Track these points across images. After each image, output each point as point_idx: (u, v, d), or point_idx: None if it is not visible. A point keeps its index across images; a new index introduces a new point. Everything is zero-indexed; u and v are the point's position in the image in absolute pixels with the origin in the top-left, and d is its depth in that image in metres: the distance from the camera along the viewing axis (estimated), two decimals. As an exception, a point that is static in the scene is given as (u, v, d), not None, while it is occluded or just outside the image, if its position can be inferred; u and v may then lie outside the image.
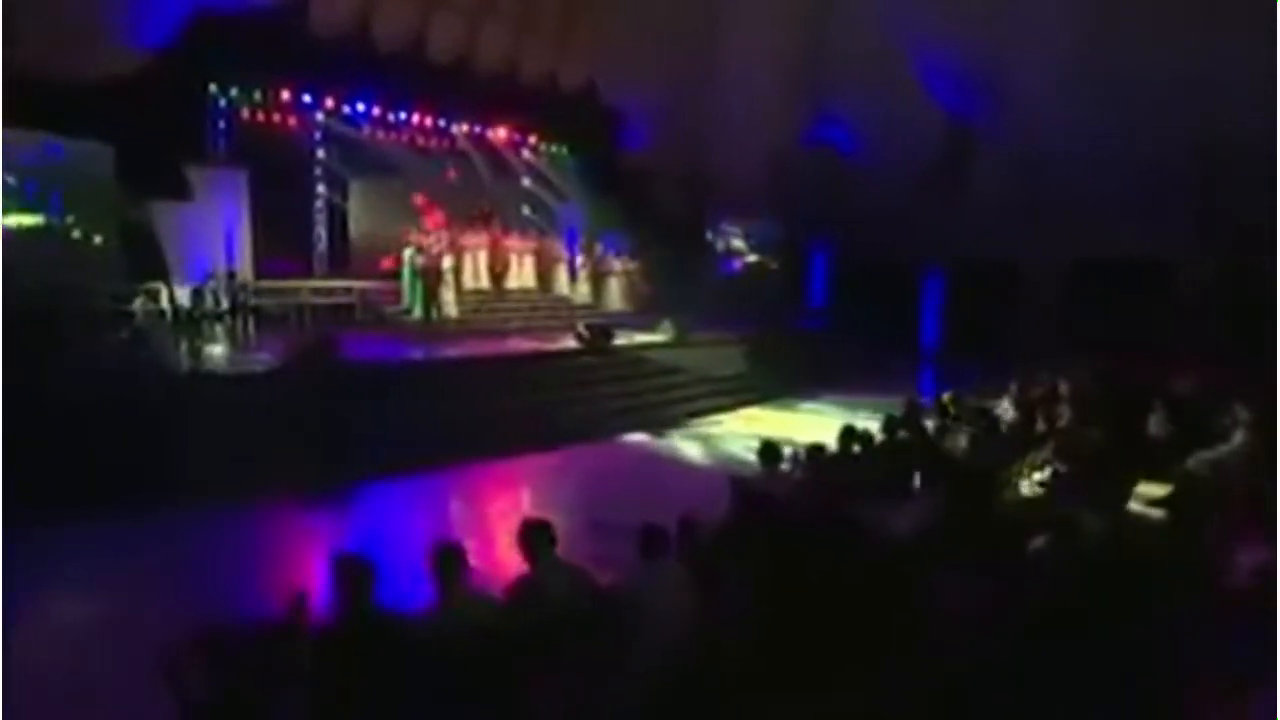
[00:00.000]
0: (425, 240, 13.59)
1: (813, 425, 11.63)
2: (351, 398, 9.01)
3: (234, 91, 14.10)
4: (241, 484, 7.02)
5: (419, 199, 15.37)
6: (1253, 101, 9.98)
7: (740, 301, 16.25)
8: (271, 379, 9.08)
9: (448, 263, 13.41)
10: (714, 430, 11.41)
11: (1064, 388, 9.16)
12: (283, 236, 14.15)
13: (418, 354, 11.13)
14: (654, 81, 16.88)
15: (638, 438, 10.73)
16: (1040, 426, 7.67)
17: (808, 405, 13.06)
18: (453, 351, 11.46)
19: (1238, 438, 6.38)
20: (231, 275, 11.97)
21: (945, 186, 14.54)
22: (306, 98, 14.79)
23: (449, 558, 3.27)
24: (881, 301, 15.77)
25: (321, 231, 14.94)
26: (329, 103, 15.03)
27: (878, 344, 14.83)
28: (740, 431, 11.33)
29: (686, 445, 10.63)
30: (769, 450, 5.63)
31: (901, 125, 15.08)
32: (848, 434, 6.40)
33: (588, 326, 12.70)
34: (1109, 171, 11.75)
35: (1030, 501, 5.48)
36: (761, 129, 16.56)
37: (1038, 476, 5.86)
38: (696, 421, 11.72)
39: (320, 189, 15.02)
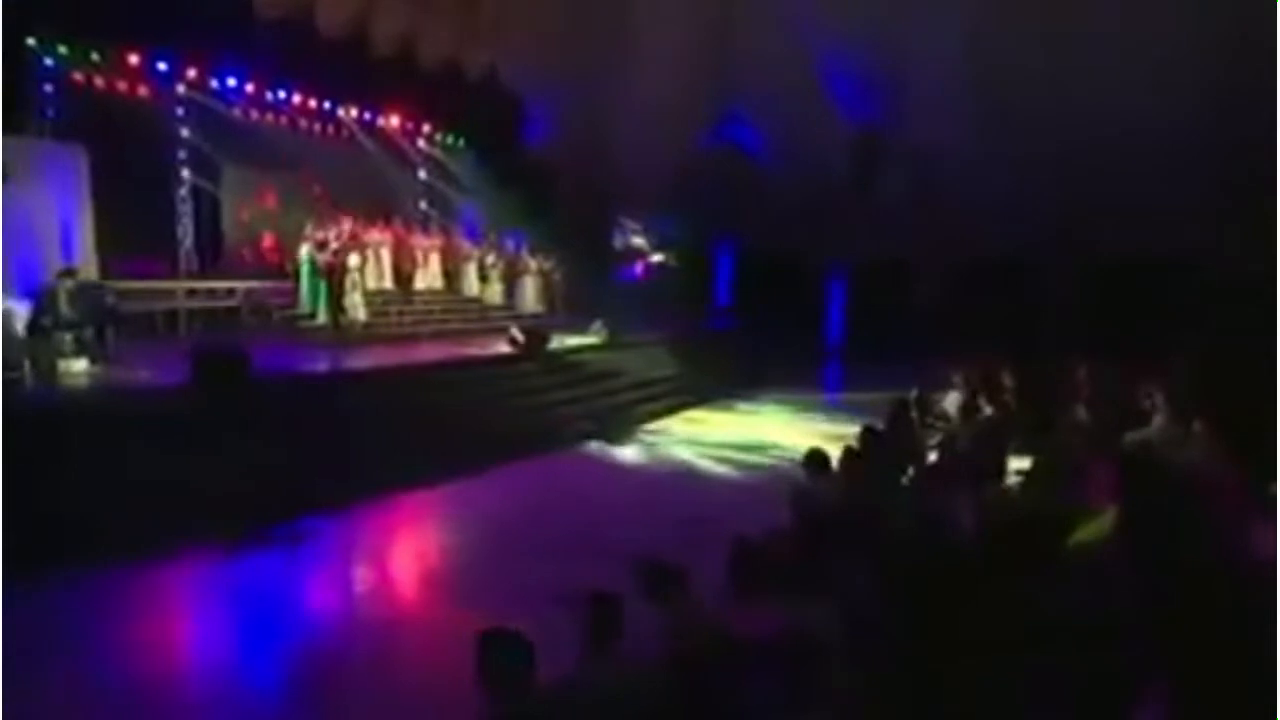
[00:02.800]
0: (323, 236, 11.24)
1: (763, 425, 10.93)
2: (273, 419, 6.94)
3: (62, 49, 10.85)
4: (137, 535, 5.23)
5: (270, 193, 12.79)
6: (1153, 100, 10.40)
7: (656, 301, 15.24)
8: (165, 402, 6.75)
9: (354, 261, 11.17)
10: (670, 435, 10.27)
11: (1008, 380, 9.13)
12: (139, 228, 11.05)
13: (332, 365, 9.00)
14: (558, 73, 15.37)
15: (595, 447, 9.38)
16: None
17: (745, 405, 12.32)
18: (370, 360, 9.40)
19: (1158, 420, 6.70)
20: (71, 273, 9.02)
21: (849, 187, 14.38)
22: (161, 65, 11.77)
23: (605, 614, 2.61)
24: (791, 300, 15.42)
25: (188, 224, 11.95)
26: (191, 73, 12.07)
27: (795, 342, 14.44)
28: (697, 435, 10.29)
29: (651, 452, 9.39)
30: (817, 457, 4.98)
31: (806, 127, 14.74)
32: (869, 435, 5.92)
33: (522, 330, 11.09)
34: (1008, 172, 11.96)
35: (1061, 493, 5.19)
36: (667, 126, 15.59)
37: (1017, 466, 5.64)
38: (648, 426, 10.53)
39: (185, 174, 12.01)
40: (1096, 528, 3.92)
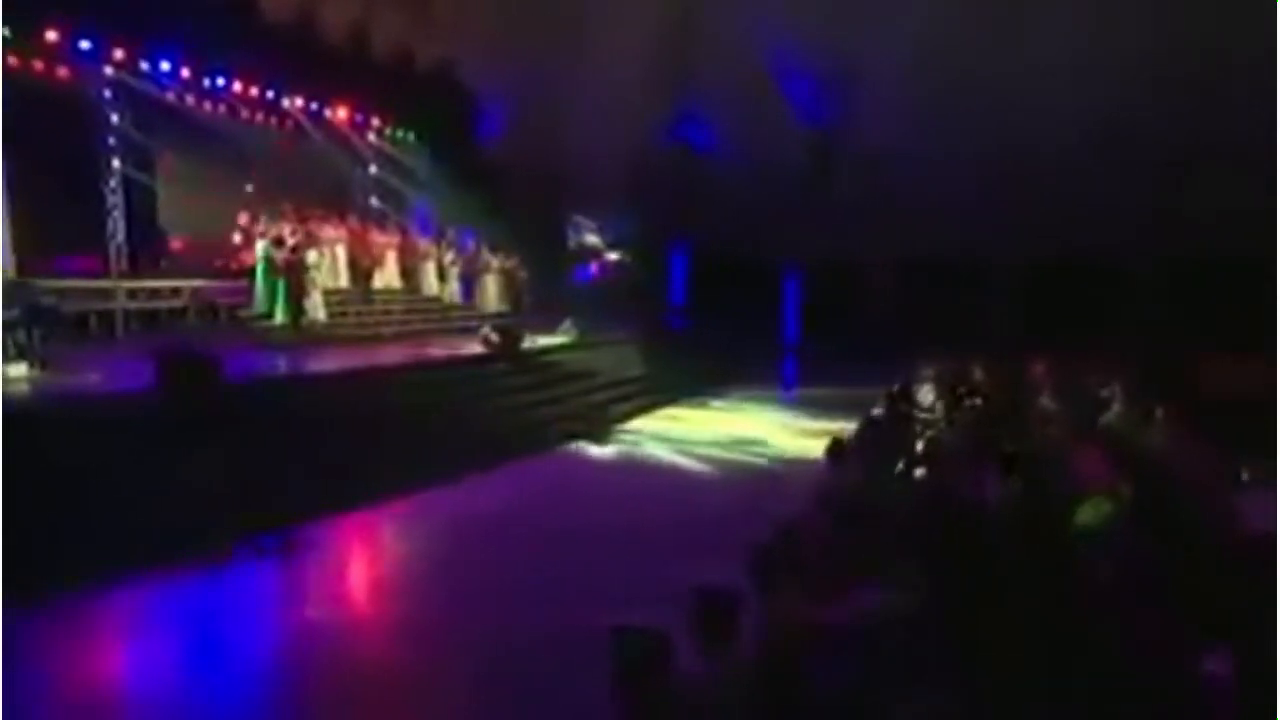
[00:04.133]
0: (279, 232, 10.37)
1: (741, 421, 10.88)
2: (250, 424, 6.31)
3: (-34, 22, 9.52)
4: (115, 549, 4.76)
5: (212, 185, 11.62)
6: (1109, 101, 10.86)
7: (615, 299, 15.01)
8: (130, 408, 5.98)
9: (312, 258, 10.37)
10: (655, 433, 10.06)
11: (978, 373, 9.46)
12: (63, 223, 9.87)
13: (304, 368, 8.29)
14: (512, 69, 14.86)
15: (581, 447, 9.07)
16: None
17: (719, 403, 12.27)
18: (341, 362, 8.74)
19: (1116, 407, 7.18)
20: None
21: (805, 186, 14.54)
22: (84, 44, 10.53)
23: (719, 608, 2.47)
24: (749, 298, 15.47)
25: (119, 218, 10.74)
26: (118, 54, 10.87)
27: (755, 340, 14.51)
28: (682, 433, 10.11)
29: (637, 450, 9.14)
30: (837, 447, 5.10)
31: (762, 126, 14.80)
32: (874, 426, 6.15)
33: (495, 329, 10.62)
34: (962, 172, 12.33)
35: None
36: (623, 124, 15.34)
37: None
38: (629, 425, 10.29)
39: (115, 164, 10.79)
40: (1098, 507, 4.06)
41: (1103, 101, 10.98)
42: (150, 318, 9.87)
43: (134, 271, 10.44)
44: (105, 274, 10.04)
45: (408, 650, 4.41)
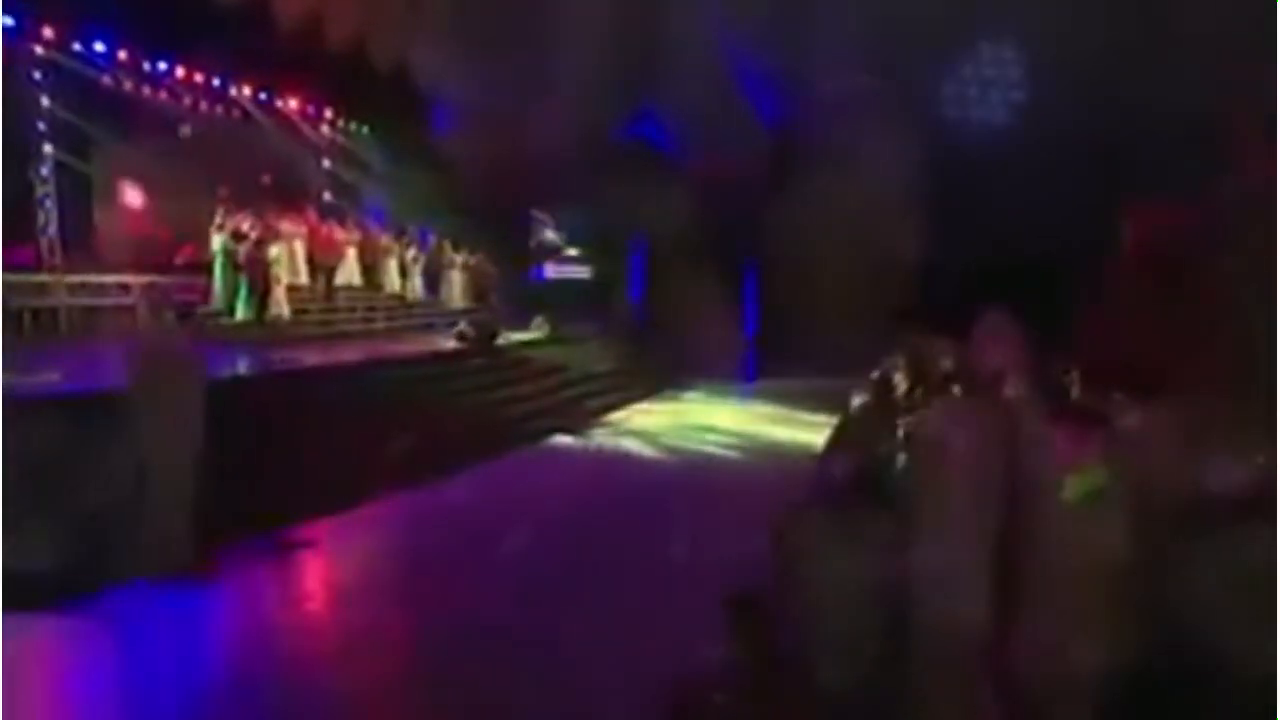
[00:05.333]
0: (237, 225, 9.71)
1: (715, 413, 10.92)
2: (240, 425, 5.87)
3: None
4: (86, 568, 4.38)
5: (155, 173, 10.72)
6: (1069, 102, 11.27)
7: (577, 296, 14.83)
8: (99, 409, 5.43)
9: (274, 252, 9.77)
10: (641, 426, 9.97)
11: (946, 362, 9.83)
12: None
13: (283, 365, 7.79)
14: (471, 63, 14.46)
15: (567, 440, 8.89)
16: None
17: (690, 395, 12.29)
18: (321, 358, 8.27)
19: (1075, 392, 7.70)
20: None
21: (764, 185, 14.71)
22: (8, 20, 9.57)
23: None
24: (709, 294, 15.56)
25: (51, 206, 9.78)
26: (47, 33, 9.94)
27: (716, 335, 14.57)
28: (668, 425, 10.06)
29: (625, 442, 9.02)
30: (843, 433, 4.87)
31: (721, 125, 14.88)
32: (866, 411, 6.36)
33: (471, 324, 10.30)
34: (916, 170, 12.67)
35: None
36: (580, 120, 15.15)
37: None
38: (609, 420, 10.16)
39: (47, 149, 9.83)
40: (1094, 476, 4.31)
41: (1059, 100, 11.48)
42: (89, 315, 9.04)
43: (68, 265, 9.54)
44: (39, 267, 9.15)
45: (403, 651, 4.19)
